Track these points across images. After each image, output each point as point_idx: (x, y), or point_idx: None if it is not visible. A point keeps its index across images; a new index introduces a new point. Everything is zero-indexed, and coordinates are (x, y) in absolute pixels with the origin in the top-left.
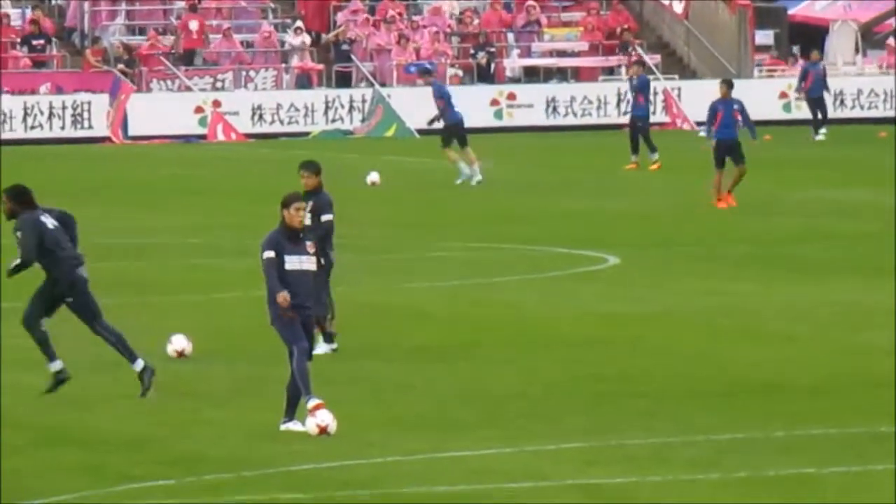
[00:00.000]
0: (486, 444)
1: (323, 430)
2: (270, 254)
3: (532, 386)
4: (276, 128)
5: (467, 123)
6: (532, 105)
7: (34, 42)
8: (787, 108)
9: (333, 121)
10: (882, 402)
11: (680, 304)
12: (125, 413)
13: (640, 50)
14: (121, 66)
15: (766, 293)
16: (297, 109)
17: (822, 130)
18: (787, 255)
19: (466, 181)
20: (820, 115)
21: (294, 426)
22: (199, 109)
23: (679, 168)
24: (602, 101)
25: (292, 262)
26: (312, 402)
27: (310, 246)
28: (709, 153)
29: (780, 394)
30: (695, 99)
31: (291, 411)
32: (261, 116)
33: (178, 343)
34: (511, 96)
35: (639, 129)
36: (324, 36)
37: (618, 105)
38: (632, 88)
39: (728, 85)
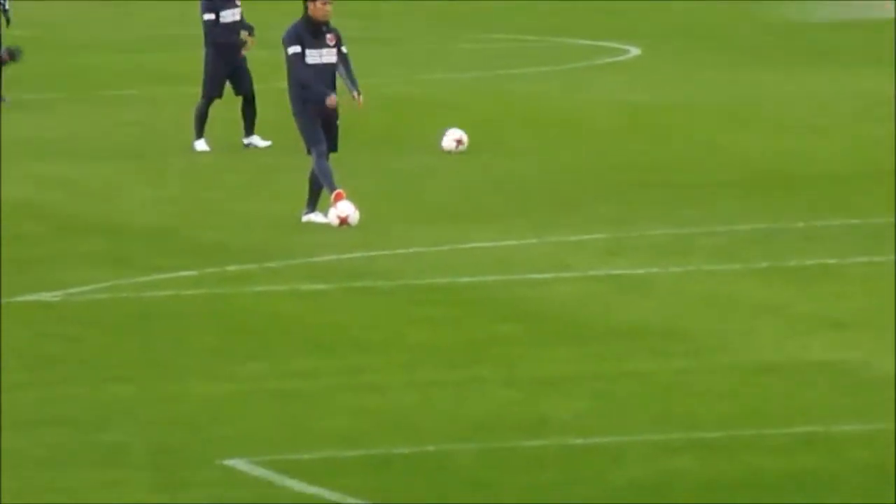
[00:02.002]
0: (510, 235)
1: (343, 221)
2: (296, 48)
3: (555, 176)
4: None
5: None
6: None
7: None
8: None
9: None
10: None
11: (702, 95)
12: (148, 203)
13: None
14: None
15: (789, 83)
16: None
17: None
18: (812, 43)
19: None
20: None
21: (316, 217)
22: None
23: None
24: None
25: (313, 56)
26: (334, 193)
27: (330, 38)
28: None
29: (801, 184)
30: None
31: (313, 203)
32: None
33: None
34: None
35: None
36: None
37: None
38: None
39: None
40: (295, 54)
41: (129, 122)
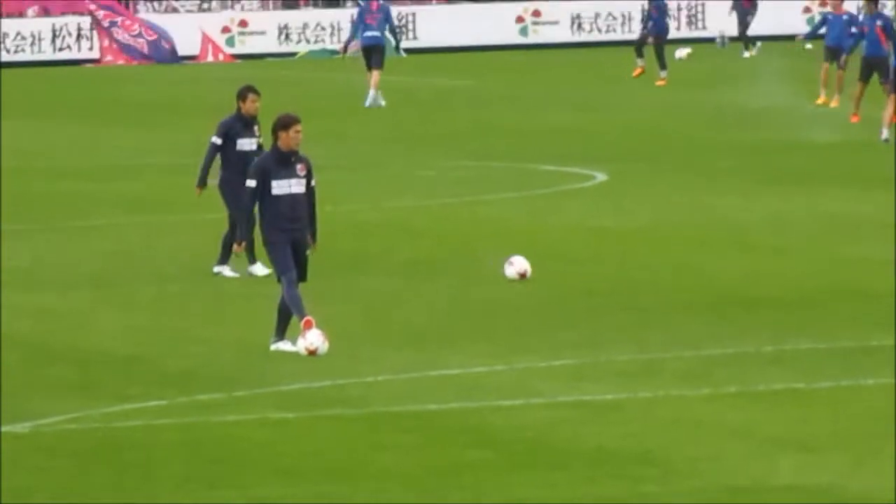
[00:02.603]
0: (477, 361)
1: (312, 353)
2: (252, 183)
3: (522, 301)
4: (252, 48)
5: (491, 41)
6: (558, 21)
7: None
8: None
9: (317, 41)
10: (871, 314)
11: (667, 218)
12: (117, 332)
13: None
14: None
15: (753, 205)
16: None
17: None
18: (775, 165)
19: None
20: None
21: (284, 346)
22: (226, 29)
23: (673, 84)
24: (626, 17)
25: (282, 187)
26: (304, 320)
27: (300, 168)
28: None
29: (768, 307)
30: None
31: (282, 331)
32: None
33: (520, 265)
34: (536, 13)
35: (654, 45)
36: None
37: (642, 20)
38: (652, 6)
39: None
40: (250, 189)
41: (98, 251)
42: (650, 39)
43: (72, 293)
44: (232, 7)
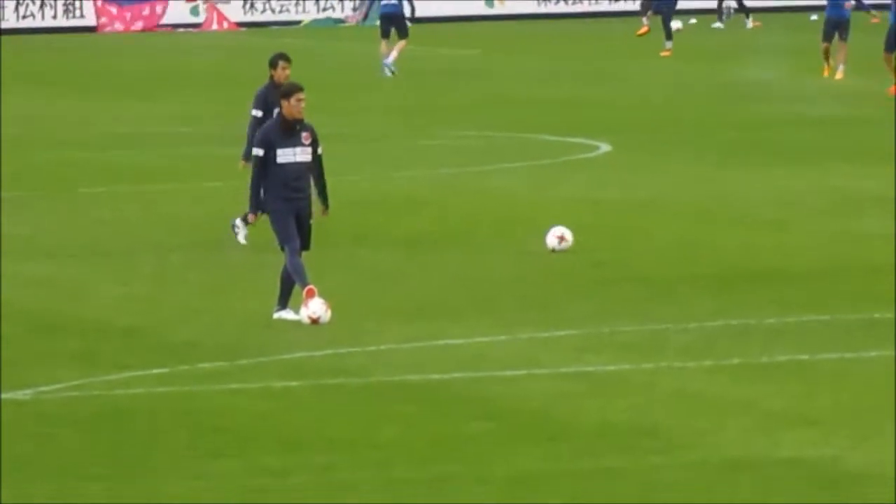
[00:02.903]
0: (481, 332)
1: (315, 321)
2: (259, 151)
3: (526, 273)
4: (268, 16)
5: (460, 12)
6: None
7: None
8: None
9: (325, 9)
10: (874, 288)
11: (672, 191)
12: (119, 302)
13: None
14: None
15: (757, 179)
16: None
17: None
18: (779, 140)
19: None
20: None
21: (287, 315)
22: None
23: (672, 56)
24: None
25: (286, 155)
26: (306, 289)
27: (305, 137)
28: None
29: (772, 280)
30: None
31: (284, 300)
32: (252, 5)
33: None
34: None
35: (662, 14)
36: None
37: None
38: None
39: None
40: (256, 157)
41: (98, 219)
42: (664, 8)
43: (72, 262)
44: None
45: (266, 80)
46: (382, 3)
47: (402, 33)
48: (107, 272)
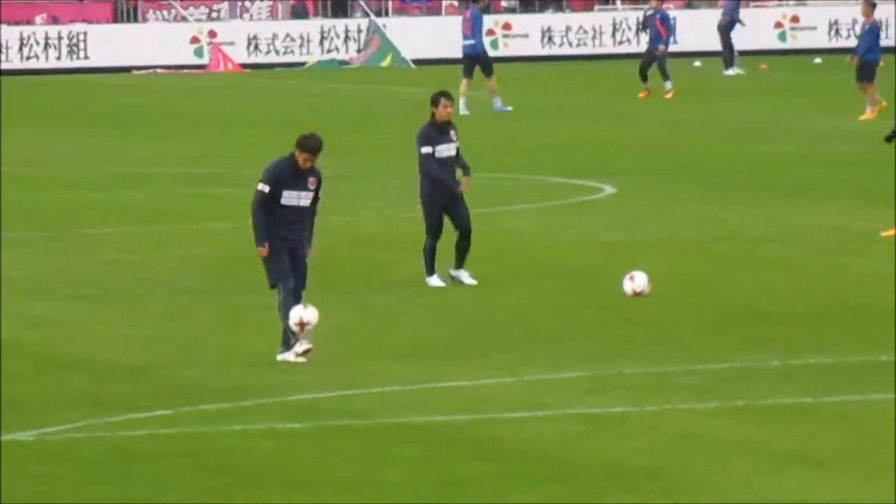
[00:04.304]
0: (486, 373)
1: (302, 325)
2: (265, 188)
3: (532, 313)
4: (272, 58)
5: (462, 53)
6: (527, 35)
7: None
8: (782, 36)
9: (329, 51)
10: (880, 330)
11: (677, 231)
12: (126, 342)
13: None
14: None
15: (763, 219)
16: (292, 39)
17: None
18: (784, 180)
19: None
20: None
21: (291, 357)
22: (195, 39)
23: (674, 96)
24: (598, 30)
25: (290, 198)
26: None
27: (311, 182)
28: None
29: (777, 321)
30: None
31: (288, 341)
32: (256, 46)
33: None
34: (507, 26)
35: (655, 58)
36: None
37: (613, 35)
38: (650, 19)
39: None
40: (261, 192)
41: (107, 259)
42: (657, 51)
43: (80, 303)
44: (241, 17)
45: (426, 118)
46: (463, 43)
47: (487, 71)
48: (114, 312)
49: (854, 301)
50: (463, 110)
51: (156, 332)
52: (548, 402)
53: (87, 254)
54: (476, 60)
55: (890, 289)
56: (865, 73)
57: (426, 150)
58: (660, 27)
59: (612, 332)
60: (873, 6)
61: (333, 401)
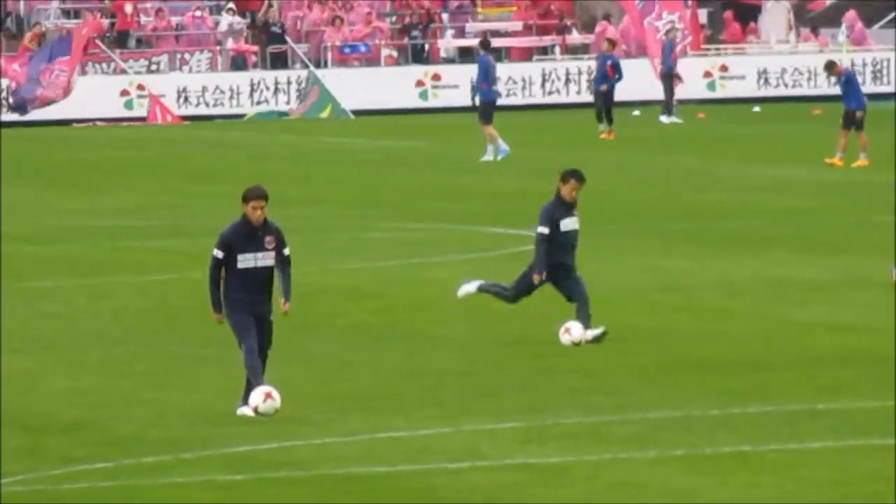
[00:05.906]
0: (425, 424)
1: (268, 395)
2: (219, 254)
3: (469, 364)
4: (202, 110)
5: (394, 105)
6: (458, 86)
7: None
8: (711, 86)
9: (258, 102)
10: (818, 378)
11: (615, 280)
12: (65, 394)
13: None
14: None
15: (701, 268)
16: (222, 92)
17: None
18: (722, 230)
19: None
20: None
21: (248, 411)
22: (125, 92)
23: (613, 144)
24: (527, 81)
25: (247, 261)
26: (263, 391)
27: (269, 241)
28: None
29: (716, 370)
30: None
31: (247, 396)
32: (186, 98)
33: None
34: (436, 77)
35: (605, 102)
36: (258, 16)
37: (542, 85)
38: (601, 64)
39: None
40: (215, 260)
41: (44, 312)
42: (600, 90)
43: (17, 356)
44: (180, 69)
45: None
46: (483, 90)
47: (485, 119)
48: (52, 365)
49: (793, 350)
50: (507, 153)
51: (93, 384)
52: (486, 452)
53: (24, 307)
54: (495, 107)
55: (825, 337)
56: (851, 121)
57: (545, 229)
58: (609, 71)
59: (549, 382)
60: (833, 63)
61: (274, 452)
